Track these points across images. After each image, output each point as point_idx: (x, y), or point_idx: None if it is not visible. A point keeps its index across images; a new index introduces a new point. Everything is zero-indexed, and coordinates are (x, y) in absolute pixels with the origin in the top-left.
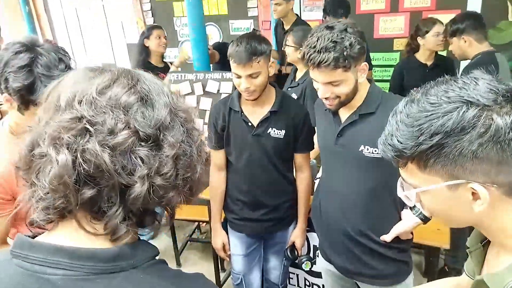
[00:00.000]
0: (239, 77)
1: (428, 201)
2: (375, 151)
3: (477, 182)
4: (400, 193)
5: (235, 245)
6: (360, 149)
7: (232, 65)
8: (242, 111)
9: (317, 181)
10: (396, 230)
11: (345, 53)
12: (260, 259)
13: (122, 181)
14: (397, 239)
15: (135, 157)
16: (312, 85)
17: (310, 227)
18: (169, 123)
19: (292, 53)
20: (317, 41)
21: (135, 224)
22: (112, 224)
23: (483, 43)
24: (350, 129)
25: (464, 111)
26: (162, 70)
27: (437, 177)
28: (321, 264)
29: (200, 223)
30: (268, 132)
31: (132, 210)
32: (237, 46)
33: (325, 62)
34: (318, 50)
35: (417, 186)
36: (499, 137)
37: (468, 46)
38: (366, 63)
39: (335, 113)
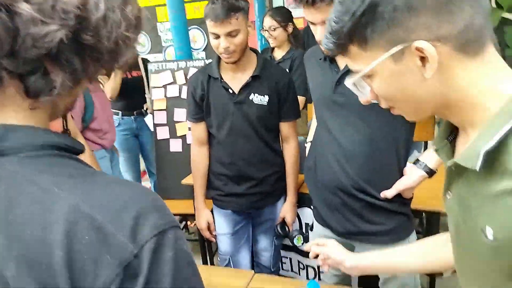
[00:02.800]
0: (217, 37)
1: (378, 85)
2: None
3: (420, 39)
4: (349, 84)
5: (220, 224)
6: None
7: (209, 24)
8: (221, 78)
9: (307, 146)
10: (399, 185)
11: None
12: (248, 239)
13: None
14: (398, 195)
15: None
16: (301, 57)
17: (300, 203)
18: None
19: (281, 33)
20: None
21: (22, 87)
22: None
23: None
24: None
25: None
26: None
27: (380, 50)
28: (317, 232)
29: (188, 223)
30: (250, 98)
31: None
32: (213, 3)
33: None
34: None
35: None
36: None
37: None
38: None
39: (332, 61)
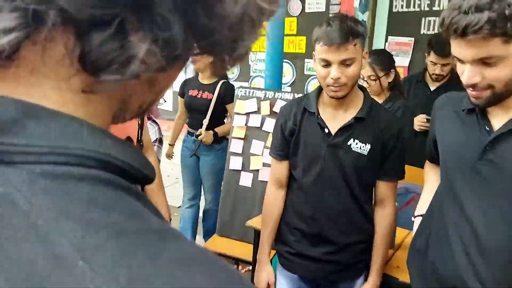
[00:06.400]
0: (327, 64)
1: None
2: None
3: None
4: None
5: (282, 287)
6: None
7: (320, 49)
8: (318, 113)
9: (416, 221)
10: None
11: (506, 13)
12: None
13: None
14: None
15: None
16: (404, 107)
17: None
18: None
19: (382, 82)
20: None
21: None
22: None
23: None
24: (509, 140)
25: None
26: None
27: None
28: None
29: (240, 267)
30: (348, 143)
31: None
32: (328, 26)
33: (475, 25)
34: (465, 10)
35: None
36: None
37: None
38: None
39: (483, 115)
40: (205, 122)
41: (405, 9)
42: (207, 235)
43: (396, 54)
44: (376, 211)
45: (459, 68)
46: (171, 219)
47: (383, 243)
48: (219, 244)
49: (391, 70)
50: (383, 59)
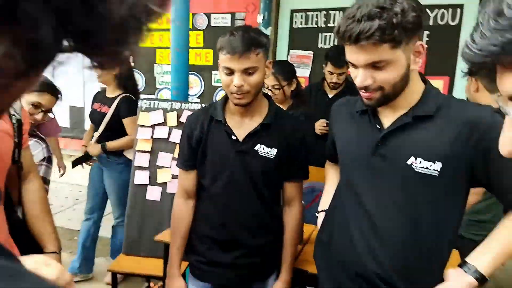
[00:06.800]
0: (230, 73)
1: None
2: (431, 165)
3: None
4: None
5: None
6: (408, 162)
7: (224, 57)
8: (225, 121)
9: (320, 216)
10: None
11: (394, 21)
12: None
13: None
14: None
15: None
16: (303, 116)
17: (295, 282)
18: None
19: (285, 91)
20: (357, 9)
21: None
22: None
23: None
24: (398, 136)
25: None
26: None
27: None
28: None
29: (151, 284)
30: (255, 149)
31: None
32: (231, 35)
33: (367, 32)
34: (358, 19)
35: None
36: None
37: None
38: (423, 43)
39: (374, 115)
40: (96, 134)
41: (304, 25)
42: (115, 254)
43: (298, 66)
44: (284, 211)
45: (353, 72)
46: (61, 248)
47: (292, 241)
48: (126, 263)
49: (293, 80)
50: (285, 69)
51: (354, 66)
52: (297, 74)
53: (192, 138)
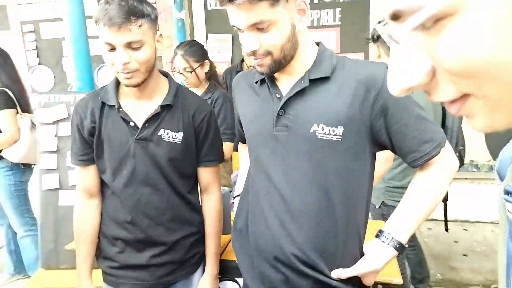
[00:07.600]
0: (112, 49)
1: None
2: (333, 131)
3: None
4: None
5: None
6: (312, 130)
7: (102, 31)
8: (120, 107)
9: (235, 201)
10: (361, 268)
11: None
12: None
13: None
14: (356, 278)
15: None
16: (224, 96)
17: (223, 274)
18: None
19: (198, 73)
20: None
21: None
22: None
23: None
24: (297, 102)
25: None
26: None
27: None
28: None
29: None
30: (159, 134)
31: None
32: (106, 3)
33: None
34: None
35: None
36: None
37: None
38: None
39: (272, 84)
40: None
41: (219, 7)
42: (31, 269)
43: (218, 51)
44: (203, 200)
45: (241, 38)
46: None
47: (214, 231)
48: (46, 279)
49: (205, 61)
50: (195, 50)
51: (240, 30)
52: (219, 59)
53: (83, 128)
